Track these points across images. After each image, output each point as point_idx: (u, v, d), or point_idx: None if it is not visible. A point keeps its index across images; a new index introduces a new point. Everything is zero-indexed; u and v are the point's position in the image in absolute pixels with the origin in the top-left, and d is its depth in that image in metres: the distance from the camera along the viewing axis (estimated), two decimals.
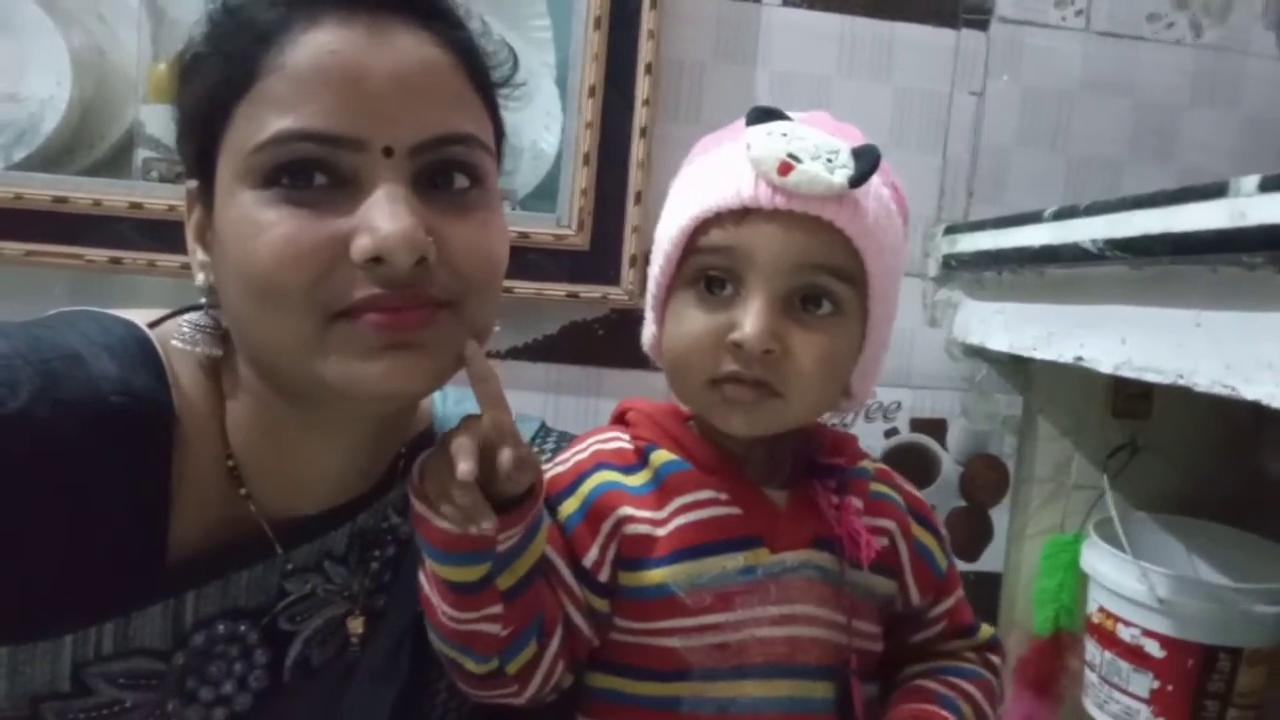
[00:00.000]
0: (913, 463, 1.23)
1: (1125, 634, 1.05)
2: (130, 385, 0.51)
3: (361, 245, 0.48)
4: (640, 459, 0.61)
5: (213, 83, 0.50)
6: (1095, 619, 1.10)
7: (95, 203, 1.01)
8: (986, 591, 1.26)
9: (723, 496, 0.59)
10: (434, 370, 0.52)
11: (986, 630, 0.69)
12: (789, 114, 0.58)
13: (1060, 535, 1.21)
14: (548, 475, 0.60)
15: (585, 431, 0.66)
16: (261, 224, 0.48)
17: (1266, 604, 0.99)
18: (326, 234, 0.48)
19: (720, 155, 0.58)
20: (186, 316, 0.57)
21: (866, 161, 0.54)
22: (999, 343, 1.09)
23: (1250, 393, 0.65)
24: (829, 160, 0.54)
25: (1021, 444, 1.25)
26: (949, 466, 1.24)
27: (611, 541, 0.58)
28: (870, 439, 1.20)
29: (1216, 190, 0.63)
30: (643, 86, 1.08)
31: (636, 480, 0.60)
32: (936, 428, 1.23)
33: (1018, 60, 1.20)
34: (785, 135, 0.54)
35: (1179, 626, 1.00)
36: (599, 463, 0.61)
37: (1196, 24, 1.21)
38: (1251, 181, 0.60)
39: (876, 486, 0.65)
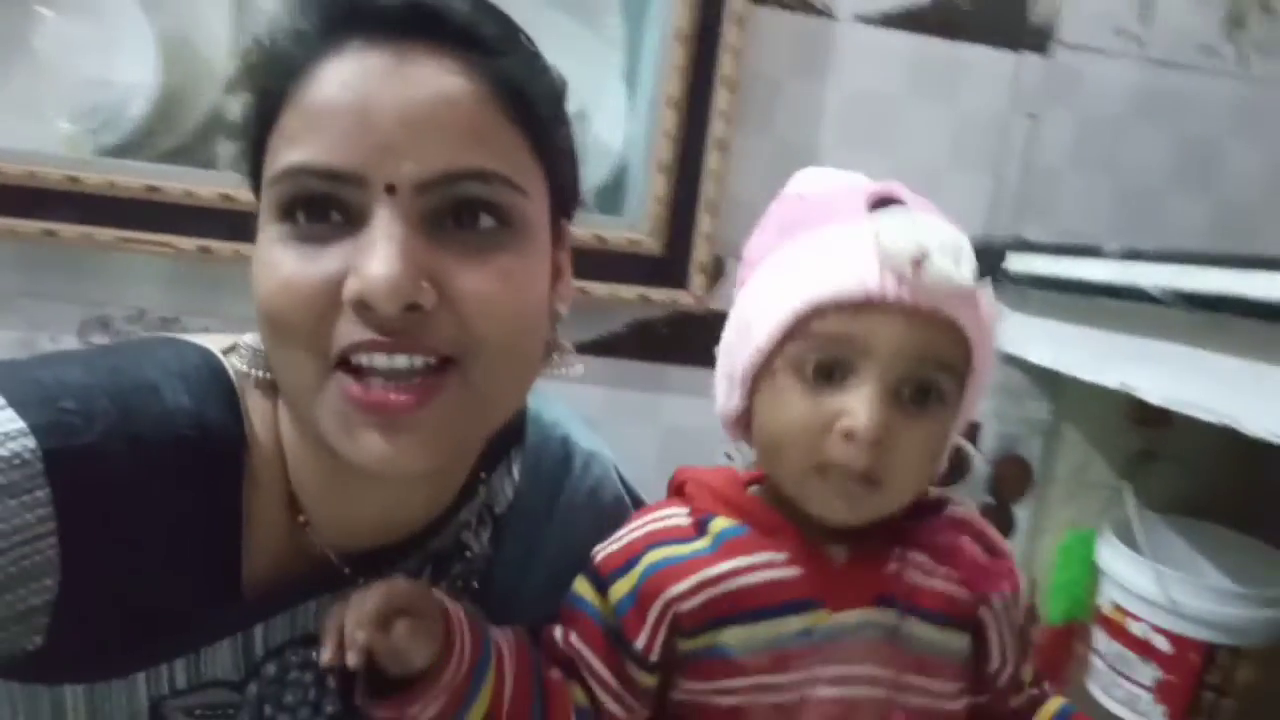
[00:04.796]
0: (949, 461, 1.30)
1: (1135, 628, 1.14)
2: (204, 418, 0.51)
3: (349, 288, 0.45)
4: (698, 530, 0.60)
5: (247, 116, 0.50)
6: (1106, 611, 1.19)
7: (187, 193, 1.03)
8: None
9: (781, 558, 0.58)
10: (430, 451, 0.48)
11: (1029, 673, 0.69)
12: (902, 197, 0.58)
13: (1078, 530, 1.29)
14: (600, 555, 0.60)
15: (645, 507, 0.65)
16: (272, 260, 0.47)
17: (1265, 607, 1.09)
18: (324, 273, 0.46)
19: (838, 239, 0.56)
20: (246, 338, 0.55)
21: (980, 258, 0.54)
22: (1040, 356, 1.16)
23: None
24: (955, 257, 0.53)
25: (1046, 446, 1.32)
26: (979, 466, 1.32)
27: (661, 624, 0.58)
28: None
29: None
30: (721, 99, 1.11)
31: (692, 549, 0.59)
32: (971, 429, 1.30)
33: (1075, 85, 1.24)
34: (914, 225, 0.53)
35: (1186, 625, 1.10)
36: (652, 542, 0.60)
37: (1244, 56, 1.27)
38: None
39: (947, 538, 0.62)
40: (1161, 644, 1.12)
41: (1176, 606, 1.10)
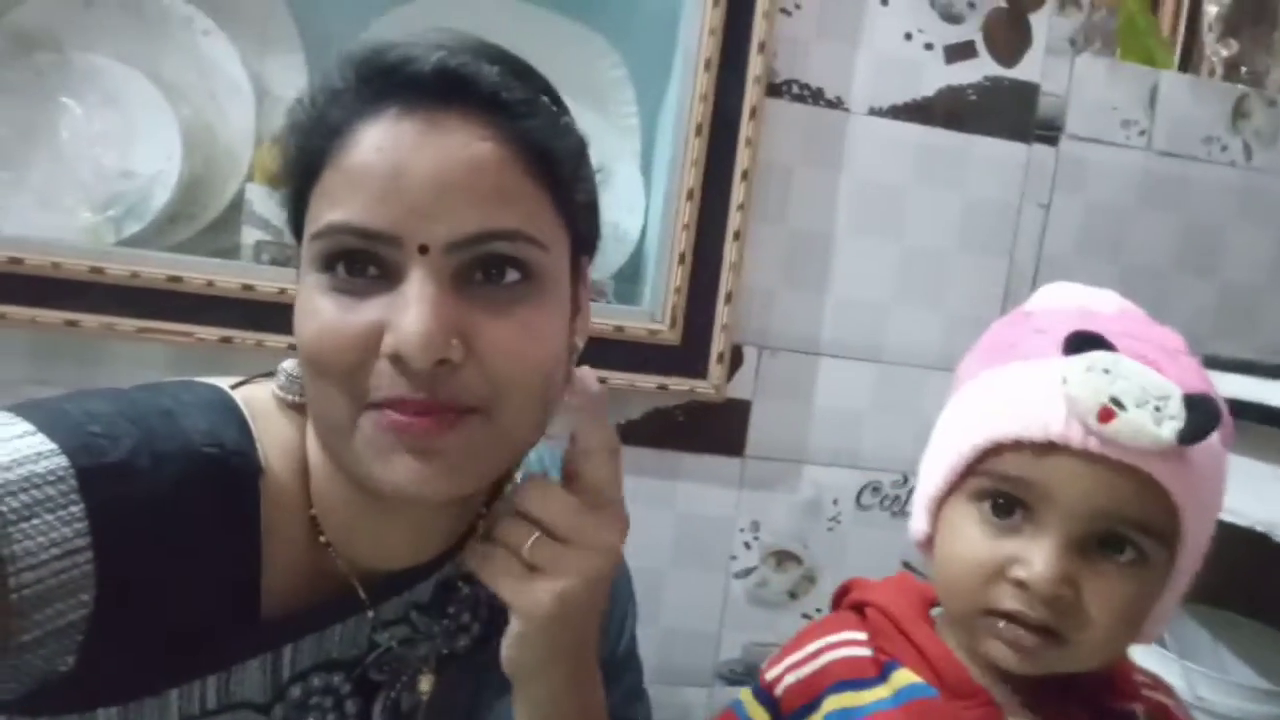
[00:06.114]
0: None
1: None
2: (220, 438, 0.54)
3: (386, 342, 0.49)
4: (880, 673, 0.58)
5: (292, 172, 0.54)
6: None
7: (208, 283, 1.03)
8: None
9: None
10: (457, 478, 0.52)
11: None
12: (1109, 336, 0.52)
13: None
14: (779, 683, 0.59)
15: (813, 624, 0.63)
16: (313, 308, 0.51)
17: None
18: (362, 324, 0.49)
19: (1029, 375, 0.53)
20: (287, 364, 0.59)
21: (1203, 417, 0.49)
22: None
23: None
24: (1157, 409, 0.48)
25: None
26: None
27: None
28: None
29: None
30: (739, 191, 1.12)
31: (872, 697, 0.57)
32: None
33: (1083, 174, 1.27)
34: (1108, 372, 0.49)
35: None
36: (835, 681, 0.58)
37: (1248, 147, 1.29)
38: None
39: None
40: None
41: (1205, 704, 1.08)
